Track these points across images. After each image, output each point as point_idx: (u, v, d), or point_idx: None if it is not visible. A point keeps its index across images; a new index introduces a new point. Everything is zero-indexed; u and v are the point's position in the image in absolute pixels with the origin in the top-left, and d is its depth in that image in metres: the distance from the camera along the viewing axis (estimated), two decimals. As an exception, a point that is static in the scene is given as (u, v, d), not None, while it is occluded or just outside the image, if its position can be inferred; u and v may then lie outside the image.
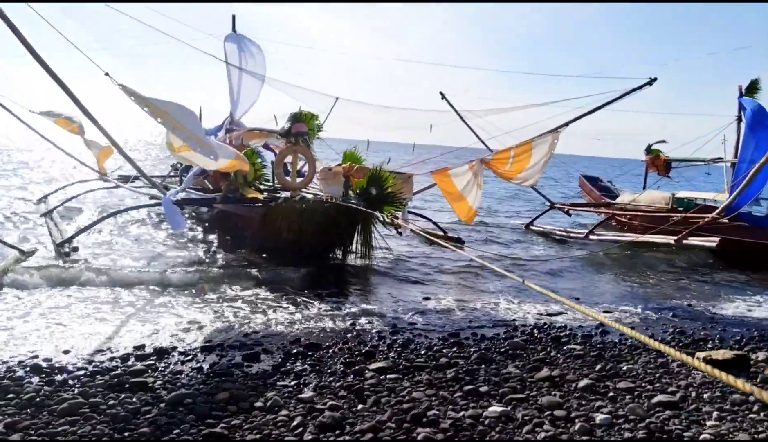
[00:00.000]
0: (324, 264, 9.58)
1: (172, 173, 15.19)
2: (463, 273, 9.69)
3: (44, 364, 4.92)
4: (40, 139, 12.48)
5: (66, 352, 5.23)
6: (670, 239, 10.90)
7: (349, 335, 6.15)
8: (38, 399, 4.28)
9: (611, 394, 4.88)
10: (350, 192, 9.40)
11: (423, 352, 5.68)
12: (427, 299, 7.87)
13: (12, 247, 8.36)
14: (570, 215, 16.05)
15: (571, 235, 13.93)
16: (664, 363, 5.67)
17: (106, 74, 7.01)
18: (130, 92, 6.79)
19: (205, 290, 7.34)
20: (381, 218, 8.86)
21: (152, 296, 7.07)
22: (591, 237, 13.23)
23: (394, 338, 6.12)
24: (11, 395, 4.31)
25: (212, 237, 11.22)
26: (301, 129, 9.72)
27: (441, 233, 13.01)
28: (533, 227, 15.39)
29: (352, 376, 5.02)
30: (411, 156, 13.99)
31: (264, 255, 9.64)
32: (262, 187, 10.64)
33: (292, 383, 4.84)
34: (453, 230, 13.27)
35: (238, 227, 10.40)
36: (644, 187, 16.13)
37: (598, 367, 5.50)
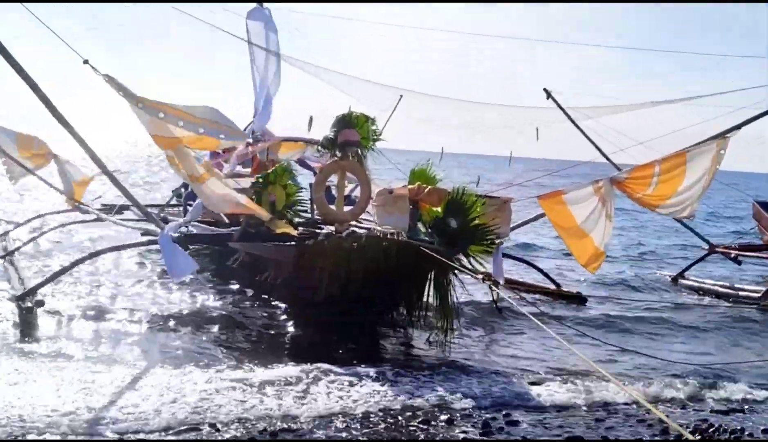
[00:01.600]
0: (379, 327, 9.51)
1: (174, 201, 15.47)
2: (583, 345, 9.41)
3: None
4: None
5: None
6: None
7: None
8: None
9: None
10: (419, 224, 9.25)
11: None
12: (534, 384, 7.74)
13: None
14: (740, 263, 15.41)
15: (742, 294, 13.49)
16: None
17: (86, 62, 7.19)
18: (117, 86, 6.93)
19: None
20: (463, 264, 8.62)
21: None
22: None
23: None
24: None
25: (231, 287, 11.34)
26: (352, 138, 9.67)
27: (552, 287, 12.66)
28: (685, 281, 14.99)
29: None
30: (506, 171, 13.79)
31: (295, 314, 9.62)
32: (296, 218, 10.65)
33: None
34: (565, 276, 12.82)
35: (262, 274, 10.38)
36: None
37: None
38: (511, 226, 10.73)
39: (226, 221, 12.36)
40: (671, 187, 10.81)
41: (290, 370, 7.56)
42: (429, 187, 9.22)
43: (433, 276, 9.01)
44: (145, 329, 8.91)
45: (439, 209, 8.82)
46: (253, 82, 13.42)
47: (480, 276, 8.31)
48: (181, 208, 14.84)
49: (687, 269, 15.51)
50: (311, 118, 10.84)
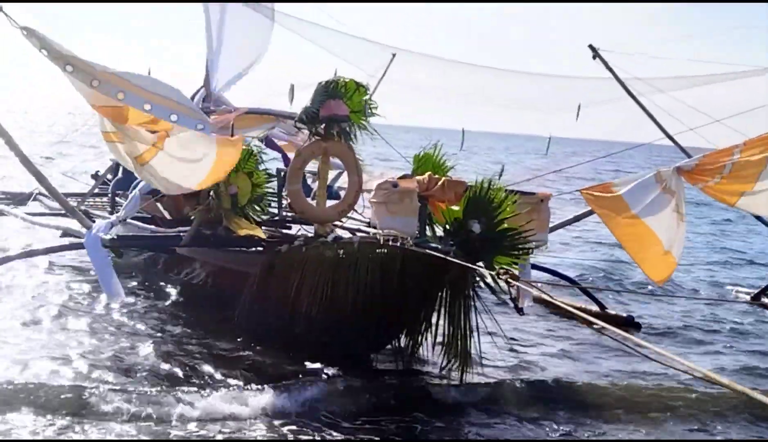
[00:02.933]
0: (373, 363, 9.54)
1: (97, 190, 15.40)
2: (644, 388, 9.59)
3: None
4: None
5: None
6: None
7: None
8: None
9: None
10: (430, 228, 9.36)
11: None
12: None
13: None
14: None
15: None
16: None
17: (-1, 9, 7.17)
18: (40, 41, 6.96)
19: None
20: (489, 277, 8.65)
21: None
22: None
23: None
24: None
25: (170, 305, 11.31)
26: (338, 111, 9.67)
27: (596, 309, 12.76)
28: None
29: None
30: (543, 158, 13.92)
31: (259, 345, 9.66)
32: (261, 216, 10.68)
33: None
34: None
35: (220, 289, 10.40)
36: None
37: None
38: (550, 228, 10.80)
39: (168, 217, 12.41)
40: (752, 174, 10.91)
41: (243, 412, 7.70)
42: (443, 179, 9.26)
43: (447, 295, 9.09)
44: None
45: (459, 209, 8.84)
46: (207, 28, 13.34)
47: (497, 275, 8.31)
48: (106, 199, 14.84)
49: (771, 285, 15.63)
50: (292, 87, 10.85)
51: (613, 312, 12.79)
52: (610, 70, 13.18)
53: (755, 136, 10.82)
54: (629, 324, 12.40)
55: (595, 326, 12.23)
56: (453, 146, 10.32)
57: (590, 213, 11.73)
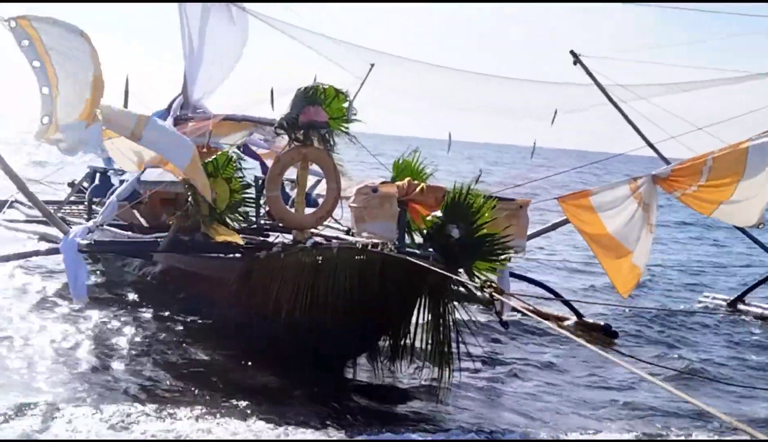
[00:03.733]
0: (353, 366, 9.57)
1: (74, 198, 15.34)
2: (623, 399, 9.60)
3: None
4: None
5: None
6: None
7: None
8: None
9: None
10: (408, 233, 9.37)
11: None
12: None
13: None
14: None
15: None
16: None
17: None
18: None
19: None
20: (472, 283, 8.67)
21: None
22: None
23: None
24: None
25: (146, 314, 11.26)
26: (317, 117, 9.70)
27: (575, 318, 12.83)
28: (745, 307, 15.29)
29: None
30: (526, 165, 13.95)
31: (241, 349, 9.61)
32: (238, 223, 10.67)
33: None
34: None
35: (196, 296, 10.37)
36: None
37: None
38: (529, 234, 10.81)
39: (146, 224, 12.39)
40: (729, 184, 10.99)
41: (231, 428, 7.61)
42: (422, 184, 9.28)
43: (427, 301, 9.11)
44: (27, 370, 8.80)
45: (437, 213, 8.87)
46: (183, 36, 13.33)
47: (482, 288, 8.32)
48: (82, 207, 14.78)
49: (748, 291, 15.72)
50: (272, 92, 10.86)
51: (590, 321, 12.83)
52: (591, 75, 13.23)
53: (728, 145, 10.95)
54: (606, 332, 12.45)
55: (572, 335, 12.39)
56: (437, 156, 10.30)
57: (567, 221, 11.79)
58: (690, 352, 12.05)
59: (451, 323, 9.05)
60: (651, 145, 13.36)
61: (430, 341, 9.15)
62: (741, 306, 15.28)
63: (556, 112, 12.62)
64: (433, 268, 8.29)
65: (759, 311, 14.87)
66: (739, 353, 12.33)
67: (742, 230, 14.63)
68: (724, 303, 15.55)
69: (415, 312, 9.28)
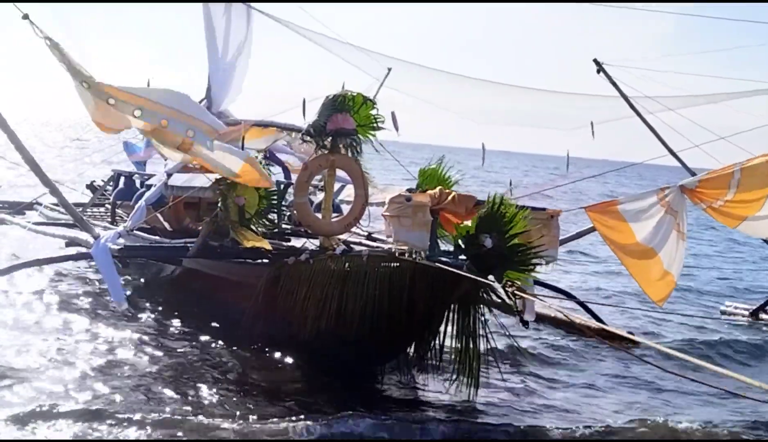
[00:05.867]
0: (381, 375, 9.63)
1: (97, 199, 15.40)
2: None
3: None
4: None
5: None
6: None
7: None
8: None
9: None
10: (440, 242, 9.38)
11: None
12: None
13: None
14: None
15: None
16: None
17: (25, 17, 7.23)
18: (61, 55, 7.03)
19: None
20: (503, 293, 8.68)
21: None
22: None
23: None
24: None
25: (175, 321, 11.31)
26: (346, 125, 9.77)
27: (598, 325, 12.84)
28: (767, 316, 15.35)
29: None
30: (561, 175, 13.99)
31: (264, 359, 9.70)
32: (264, 229, 10.74)
33: None
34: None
35: (224, 302, 10.40)
36: None
37: None
38: (560, 242, 10.84)
39: (169, 228, 12.45)
40: (756, 196, 11.00)
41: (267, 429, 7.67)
42: (453, 193, 9.31)
43: (456, 309, 9.15)
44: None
45: (472, 224, 8.89)
46: (208, 43, 13.44)
47: (504, 287, 8.40)
48: (104, 210, 14.85)
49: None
50: (304, 102, 10.93)
51: (612, 328, 12.84)
52: (615, 85, 13.23)
53: (756, 155, 10.96)
54: (629, 341, 12.48)
55: (594, 339, 12.48)
56: (469, 165, 10.36)
57: (593, 229, 11.80)
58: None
59: (480, 331, 9.11)
60: (675, 155, 13.35)
61: (458, 350, 9.20)
62: (763, 315, 15.30)
63: (593, 124, 12.63)
64: (465, 274, 8.32)
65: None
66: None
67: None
68: (747, 312, 15.57)
69: (444, 321, 9.33)
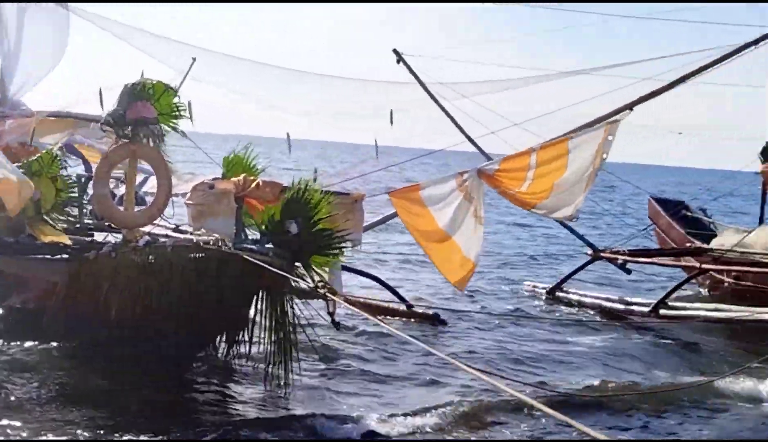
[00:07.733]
0: (190, 368, 9.53)
1: None
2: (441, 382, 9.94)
3: None
4: None
5: None
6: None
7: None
8: None
9: None
10: (246, 230, 9.36)
11: None
12: (371, 435, 8.16)
13: None
14: (629, 272, 16.41)
15: (628, 309, 14.47)
16: None
17: None
18: None
19: None
20: (308, 280, 8.77)
21: None
22: (663, 313, 13.63)
23: None
24: None
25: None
26: (146, 113, 9.59)
27: (403, 308, 13.16)
28: (562, 294, 15.91)
29: None
30: (371, 162, 14.15)
31: (70, 354, 9.46)
32: (65, 223, 10.47)
33: None
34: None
35: (22, 301, 10.04)
36: (760, 221, 16.54)
37: None
38: (365, 227, 11.03)
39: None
40: (549, 181, 11.55)
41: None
42: (257, 179, 9.32)
43: (265, 297, 9.14)
44: None
45: (276, 209, 8.90)
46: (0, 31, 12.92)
47: (316, 287, 8.51)
48: None
49: (565, 279, 16.30)
50: (101, 91, 10.65)
51: (420, 310, 13.16)
52: (414, 74, 13.56)
53: (547, 141, 11.53)
54: (436, 320, 12.84)
55: (403, 320, 12.75)
56: (277, 155, 10.37)
57: (396, 214, 12.07)
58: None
59: (290, 319, 9.13)
60: (471, 140, 13.78)
61: (270, 338, 9.19)
62: (560, 293, 15.89)
63: (392, 113, 12.88)
64: (267, 267, 8.37)
65: (576, 298, 15.49)
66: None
67: (561, 222, 15.21)
68: (544, 291, 16.17)
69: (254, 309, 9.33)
